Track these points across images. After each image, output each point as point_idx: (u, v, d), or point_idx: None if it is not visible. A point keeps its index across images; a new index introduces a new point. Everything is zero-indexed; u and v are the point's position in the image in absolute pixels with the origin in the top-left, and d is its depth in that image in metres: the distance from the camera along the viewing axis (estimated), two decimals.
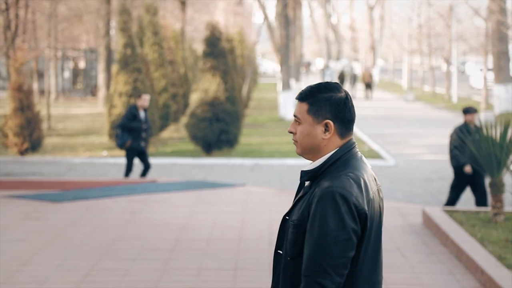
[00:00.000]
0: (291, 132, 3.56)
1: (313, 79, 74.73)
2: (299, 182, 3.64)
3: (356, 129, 30.59)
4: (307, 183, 3.55)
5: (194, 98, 23.32)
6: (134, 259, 9.54)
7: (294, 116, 3.56)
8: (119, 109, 22.97)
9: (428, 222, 10.93)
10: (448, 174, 19.14)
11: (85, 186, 14.78)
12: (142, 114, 16.14)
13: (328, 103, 3.49)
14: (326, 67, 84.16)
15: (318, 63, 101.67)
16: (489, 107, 38.95)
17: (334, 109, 3.49)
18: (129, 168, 16.30)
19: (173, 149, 24.22)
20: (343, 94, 3.53)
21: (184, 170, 20.14)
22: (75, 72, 54.24)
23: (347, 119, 3.52)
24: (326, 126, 3.49)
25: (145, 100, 16.23)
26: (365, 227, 3.44)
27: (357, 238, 3.42)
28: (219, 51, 23.12)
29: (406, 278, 8.68)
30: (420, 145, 25.82)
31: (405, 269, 9.04)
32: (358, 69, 76.53)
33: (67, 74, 53.59)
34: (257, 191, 14.65)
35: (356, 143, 3.57)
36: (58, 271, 8.98)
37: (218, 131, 22.60)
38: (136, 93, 23.10)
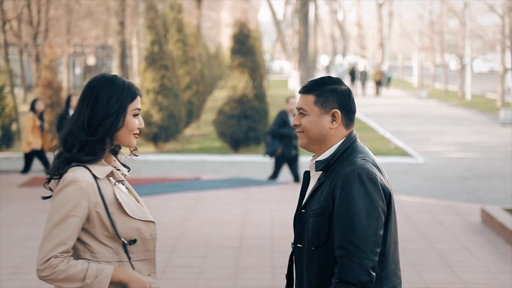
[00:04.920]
0: (295, 125, 3.66)
1: (319, 76, 74.59)
2: (303, 176, 3.74)
3: (377, 126, 30.62)
4: (318, 173, 3.63)
5: (222, 95, 23.33)
6: (203, 256, 9.57)
7: (298, 109, 3.67)
8: (146, 106, 22.98)
9: (489, 221, 10.96)
10: (480, 172, 19.18)
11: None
12: (292, 119, 15.25)
13: (335, 94, 3.63)
14: (331, 63, 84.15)
15: (323, 60, 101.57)
16: (505, 105, 38.97)
17: (340, 100, 3.63)
18: (275, 175, 15.56)
19: (199, 146, 24.25)
20: (345, 87, 3.67)
21: (215, 167, 20.17)
22: (86, 69, 54.29)
23: (352, 110, 3.66)
24: (333, 116, 3.62)
25: (293, 103, 15.24)
26: (389, 206, 3.55)
27: (385, 217, 3.53)
28: (247, 48, 23.15)
29: (484, 278, 8.70)
30: (444, 143, 25.84)
31: (479, 269, 9.06)
32: (365, 67, 76.39)
33: (78, 70, 53.64)
34: None
35: (357, 134, 3.70)
36: None
37: (246, 128, 22.63)
38: (163, 90, 23.13)
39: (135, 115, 3.60)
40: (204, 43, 45.28)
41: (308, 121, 3.63)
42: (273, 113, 34.91)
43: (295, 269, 3.69)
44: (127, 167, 3.74)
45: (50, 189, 3.59)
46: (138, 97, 3.62)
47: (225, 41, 77.93)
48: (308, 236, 3.58)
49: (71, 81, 48.73)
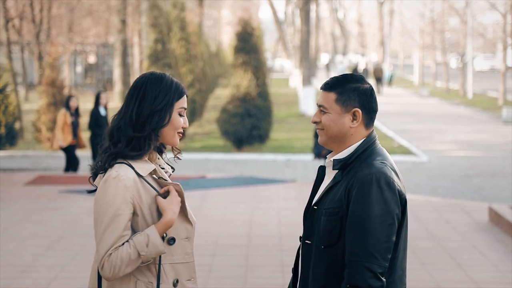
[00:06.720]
0: (315, 122, 3.62)
1: (319, 74, 74.62)
2: (317, 171, 3.73)
3: (379, 124, 30.61)
4: (334, 171, 3.59)
5: (224, 93, 23.32)
6: (213, 255, 9.58)
7: (319, 105, 3.61)
8: None
9: (497, 220, 10.96)
10: (484, 171, 19.18)
11: None
12: None
13: (357, 93, 3.57)
14: (332, 62, 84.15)
15: (323, 58, 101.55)
16: (507, 103, 38.97)
17: (362, 99, 3.57)
18: None
19: (202, 144, 24.26)
20: (368, 85, 3.62)
21: (218, 165, 20.17)
22: (87, 67, 54.28)
23: (373, 110, 3.61)
24: (354, 115, 3.57)
25: None
26: (404, 213, 3.53)
27: (398, 223, 3.49)
28: (250, 46, 23.14)
29: (494, 276, 8.71)
30: (447, 141, 25.85)
31: (489, 267, 9.07)
32: (367, 65, 76.44)
33: (79, 68, 53.64)
34: (310, 187, 14.65)
35: (376, 135, 3.66)
36: None
37: (249, 127, 22.62)
38: None
39: (181, 114, 3.60)
40: (206, 41, 45.31)
41: (328, 119, 3.58)
42: (276, 111, 34.97)
43: (301, 264, 3.66)
44: (172, 167, 3.73)
45: (94, 185, 3.59)
46: (185, 96, 3.62)
47: (226, 39, 77.97)
48: (319, 234, 3.55)
49: (72, 79, 48.72)
